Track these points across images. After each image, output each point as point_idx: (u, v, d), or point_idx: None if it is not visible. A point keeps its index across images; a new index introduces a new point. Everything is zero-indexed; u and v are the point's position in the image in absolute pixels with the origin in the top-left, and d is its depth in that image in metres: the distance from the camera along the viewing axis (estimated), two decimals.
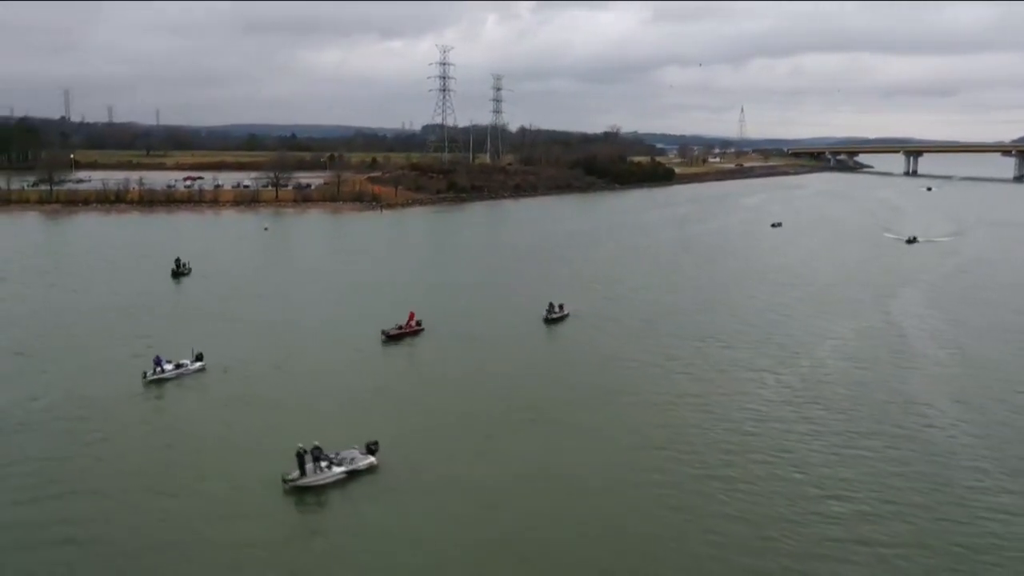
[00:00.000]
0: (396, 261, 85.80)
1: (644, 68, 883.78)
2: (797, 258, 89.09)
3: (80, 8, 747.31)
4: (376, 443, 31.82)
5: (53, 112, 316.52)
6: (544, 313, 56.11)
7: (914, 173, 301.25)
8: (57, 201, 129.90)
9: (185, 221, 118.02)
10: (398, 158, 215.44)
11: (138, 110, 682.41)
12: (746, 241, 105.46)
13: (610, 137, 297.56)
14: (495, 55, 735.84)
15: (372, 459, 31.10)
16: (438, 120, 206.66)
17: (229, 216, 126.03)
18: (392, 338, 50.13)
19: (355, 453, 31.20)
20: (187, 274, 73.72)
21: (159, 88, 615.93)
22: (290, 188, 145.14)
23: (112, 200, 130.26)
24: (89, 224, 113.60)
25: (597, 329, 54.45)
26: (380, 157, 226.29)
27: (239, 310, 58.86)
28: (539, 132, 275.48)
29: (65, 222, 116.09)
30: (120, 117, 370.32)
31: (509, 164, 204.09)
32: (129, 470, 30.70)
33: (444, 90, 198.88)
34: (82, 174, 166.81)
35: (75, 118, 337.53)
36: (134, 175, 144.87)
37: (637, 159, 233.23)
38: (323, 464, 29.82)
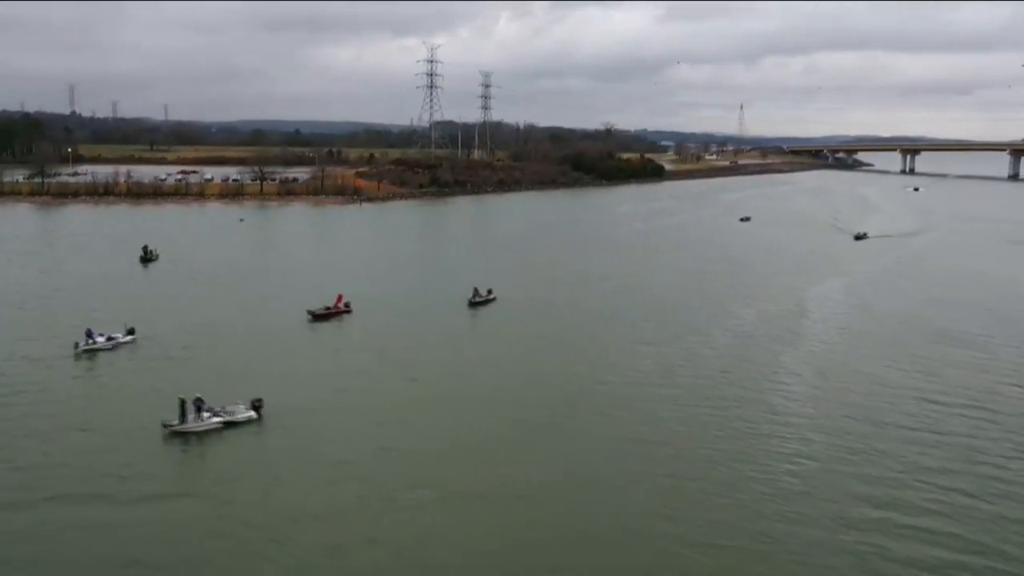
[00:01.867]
0: (355, 250, 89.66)
1: (656, 66, 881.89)
2: (745, 249, 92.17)
3: (100, 7, 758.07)
4: (261, 400, 35.57)
5: (65, 108, 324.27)
6: (469, 297, 59.68)
7: (911, 171, 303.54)
8: (48, 193, 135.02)
9: (170, 212, 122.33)
10: (396, 154, 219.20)
11: (149, 106, 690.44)
12: (706, 234, 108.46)
13: (609, 134, 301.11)
14: (508, 53, 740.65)
15: (252, 414, 34.87)
16: (426, 116, 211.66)
17: (213, 208, 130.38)
18: (318, 317, 53.82)
19: (239, 408, 34.95)
20: (154, 260, 77.91)
21: (174, 85, 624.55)
22: (276, 181, 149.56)
23: (101, 193, 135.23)
24: (76, 215, 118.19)
25: (520, 310, 58.04)
26: (378, 153, 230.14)
27: (190, 291, 63.03)
28: (535, 129, 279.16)
29: (54, 213, 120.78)
30: (130, 113, 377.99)
31: (498, 160, 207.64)
32: (45, 414, 35.48)
33: (431, 87, 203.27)
34: (82, 168, 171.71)
35: (86, 114, 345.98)
36: (124, 168, 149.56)
37: (626, 156, 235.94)
38: (204, 414, 33.64)
